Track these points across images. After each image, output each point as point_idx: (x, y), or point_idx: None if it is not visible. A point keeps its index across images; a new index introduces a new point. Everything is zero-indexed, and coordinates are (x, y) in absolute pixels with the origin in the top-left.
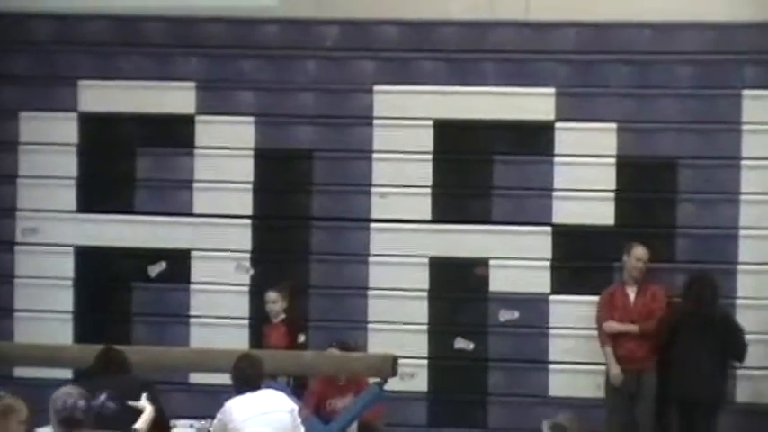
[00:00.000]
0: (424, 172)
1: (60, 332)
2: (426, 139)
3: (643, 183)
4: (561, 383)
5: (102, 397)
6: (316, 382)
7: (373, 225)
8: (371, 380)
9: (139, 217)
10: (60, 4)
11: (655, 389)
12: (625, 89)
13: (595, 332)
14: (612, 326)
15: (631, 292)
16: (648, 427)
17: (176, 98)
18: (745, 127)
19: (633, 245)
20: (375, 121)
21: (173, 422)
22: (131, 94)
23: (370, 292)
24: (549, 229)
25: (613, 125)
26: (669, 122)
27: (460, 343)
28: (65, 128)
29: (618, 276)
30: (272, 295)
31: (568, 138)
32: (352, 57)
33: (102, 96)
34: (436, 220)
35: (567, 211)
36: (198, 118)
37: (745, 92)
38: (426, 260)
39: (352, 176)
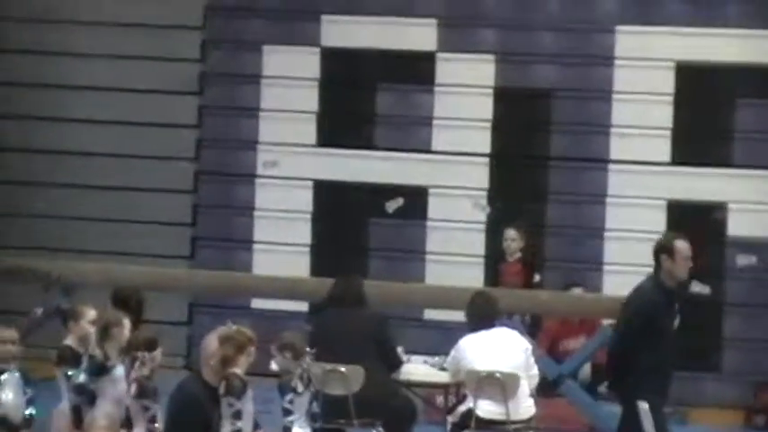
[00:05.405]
0: (664, 114)
1: (298, 264)
2: (668, 81)
3: None
4: None
5: None
6: (550, 322)
7: (611, 166)
8: (605, 322)
9: (378, 152)
10: None
11: None
12: None
13: None
14: None
15: None
16: None
17: (418, 34)
18: None
19: None
20: (616, 62)
21: (406, 357)
22: (373, 30)
23: (606, 234)
24: None
25: None
26: None
27: (696, 287)
28: (307, 62)
29: None
30: (510, 233)
31: None
32: None
33: (344, 31)
34: (675, 162)
35: None
36: (439, 55)
37: None
38: (664, 202)
39: (591, 116)
